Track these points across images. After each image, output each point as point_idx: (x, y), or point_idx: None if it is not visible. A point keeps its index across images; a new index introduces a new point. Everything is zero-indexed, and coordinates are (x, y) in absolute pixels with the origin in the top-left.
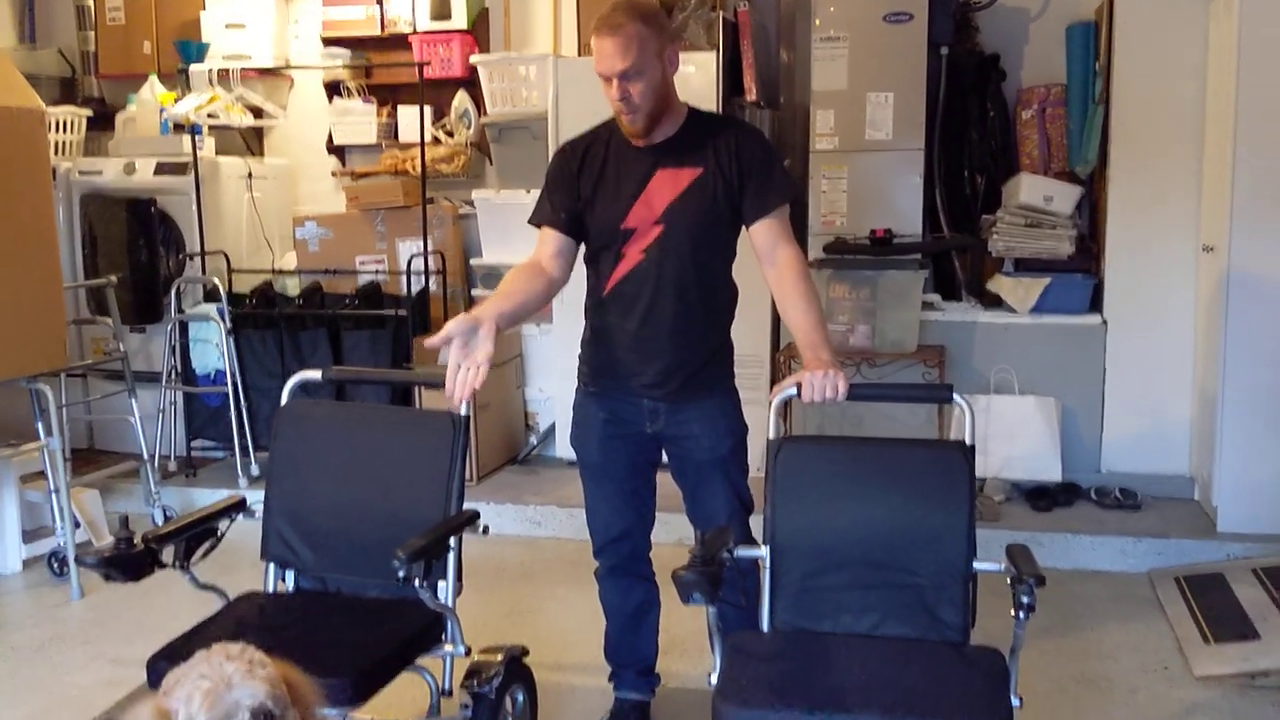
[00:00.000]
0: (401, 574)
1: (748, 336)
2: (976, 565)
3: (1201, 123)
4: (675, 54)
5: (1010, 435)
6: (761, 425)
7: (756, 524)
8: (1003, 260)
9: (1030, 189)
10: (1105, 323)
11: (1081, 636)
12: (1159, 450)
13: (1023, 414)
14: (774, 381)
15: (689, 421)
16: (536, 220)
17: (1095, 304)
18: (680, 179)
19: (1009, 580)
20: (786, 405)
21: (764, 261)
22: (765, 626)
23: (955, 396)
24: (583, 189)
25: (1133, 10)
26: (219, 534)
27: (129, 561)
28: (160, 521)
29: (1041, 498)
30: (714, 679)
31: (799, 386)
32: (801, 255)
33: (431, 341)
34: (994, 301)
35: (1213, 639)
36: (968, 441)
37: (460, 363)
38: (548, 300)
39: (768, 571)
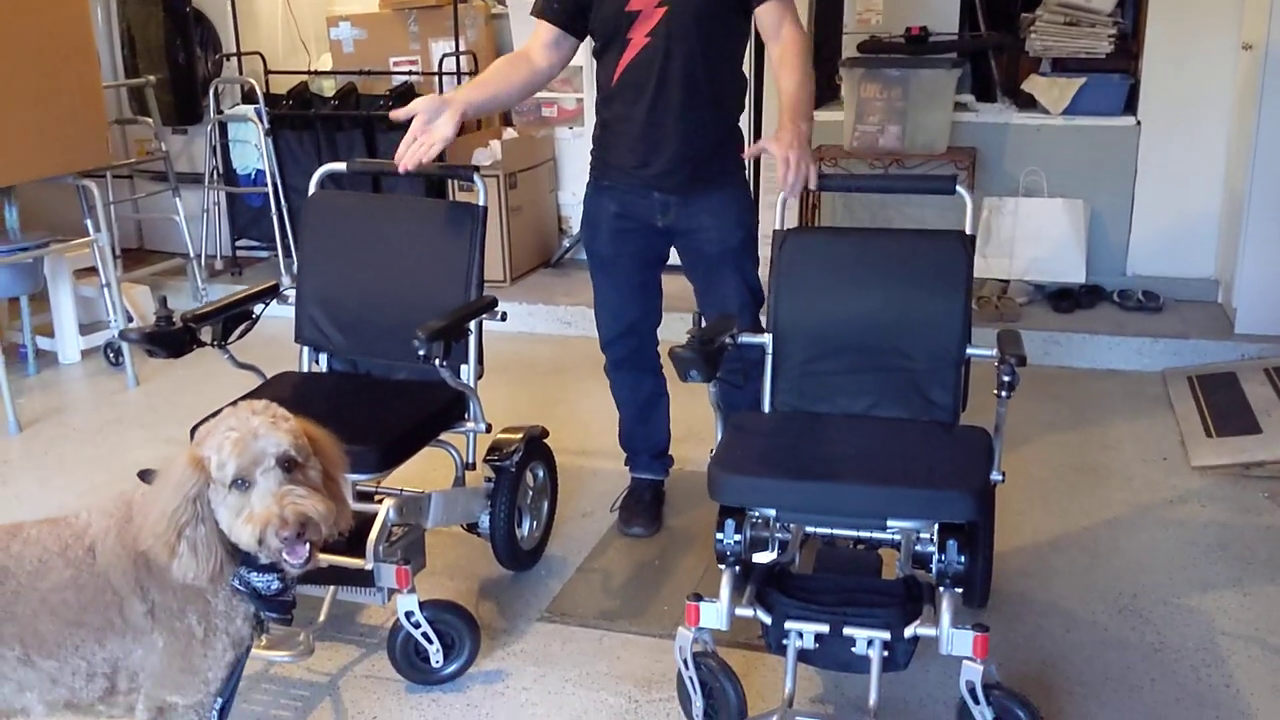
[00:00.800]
0: (421, 352)
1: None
2: (969, 350)
3: None
4: None
5: (1037, 237)
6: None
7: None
8: (1039, 60)
9: None
10: (1139, 124)
11: (1088, 430)
12: (1186, 253)
13: (1050, 216)
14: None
15: (699, 214)
16: (536, 10)
17: (1130, 105)
18: None
19: (997, 364)
20: (807, 204)
21: (768, 40)
22: (766, 408)
23: (958, 188)
24: None
25: None
26: (255, 316)
27: (169, 338)
28: None
29: (1064, 299)
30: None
31: (782, 170)
32: (805, 36)
33: (397, 114)
34: (1028, 103)
35: (1215, 432)
36: (967, 230)
37: (418, 136)
38: (529, 92)
39: (769, 356)
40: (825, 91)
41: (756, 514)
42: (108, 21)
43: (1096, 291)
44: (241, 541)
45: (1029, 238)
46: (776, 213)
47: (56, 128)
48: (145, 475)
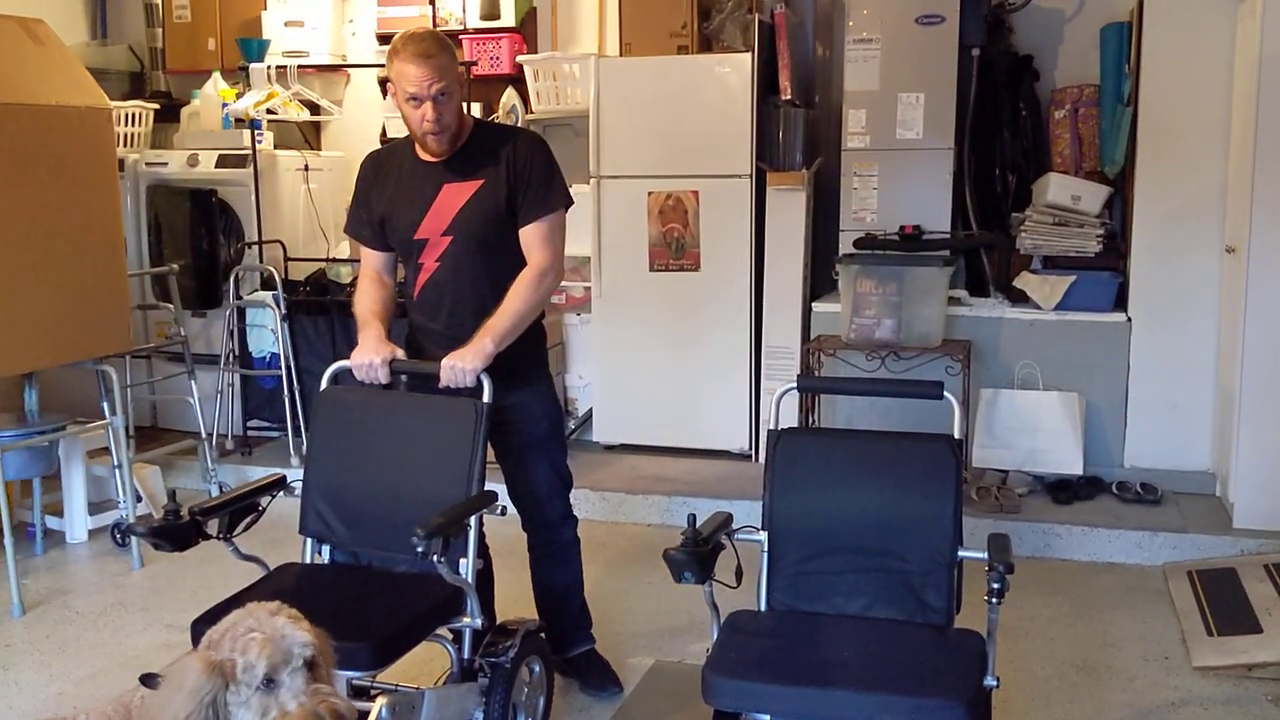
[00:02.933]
0: (420, 549)
1: (778, 328)
2: (961, 553)
3: (1227, 125)
4: (463, 80)
5: (1034, 429)
6: (792, 418)
7: (754, 510)
8: (1030, 258)
9: (1058, 188)
10: (1130, 320)
11: (1089, 626)
12: (1181, 446)
13: (1046, 409)
14: (803, 373)
15: (505, 409)
16: (348, 230)
17: (1120, 302)
18: (464, 191)
19: (987, 569)
20: (807, 397)
21: (526, 256)
22: (762, 607)
23: (946, 394)
24: (375, 203)
25: (1161, 11)
26: (261, 509)
27: (176, 532)
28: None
29: (1063, 491)
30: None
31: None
32: (550, 262)
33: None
34: (1021, 298)
35: (1216, 631)
36: (956, 435)
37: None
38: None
39: (765, 555)
40: (824, 283)
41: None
42: (136, 209)
43: (1095, 483)
44: None
45: (1026, 429)
46: (771, 412)
47: (81, 315)
48: (148, 680)
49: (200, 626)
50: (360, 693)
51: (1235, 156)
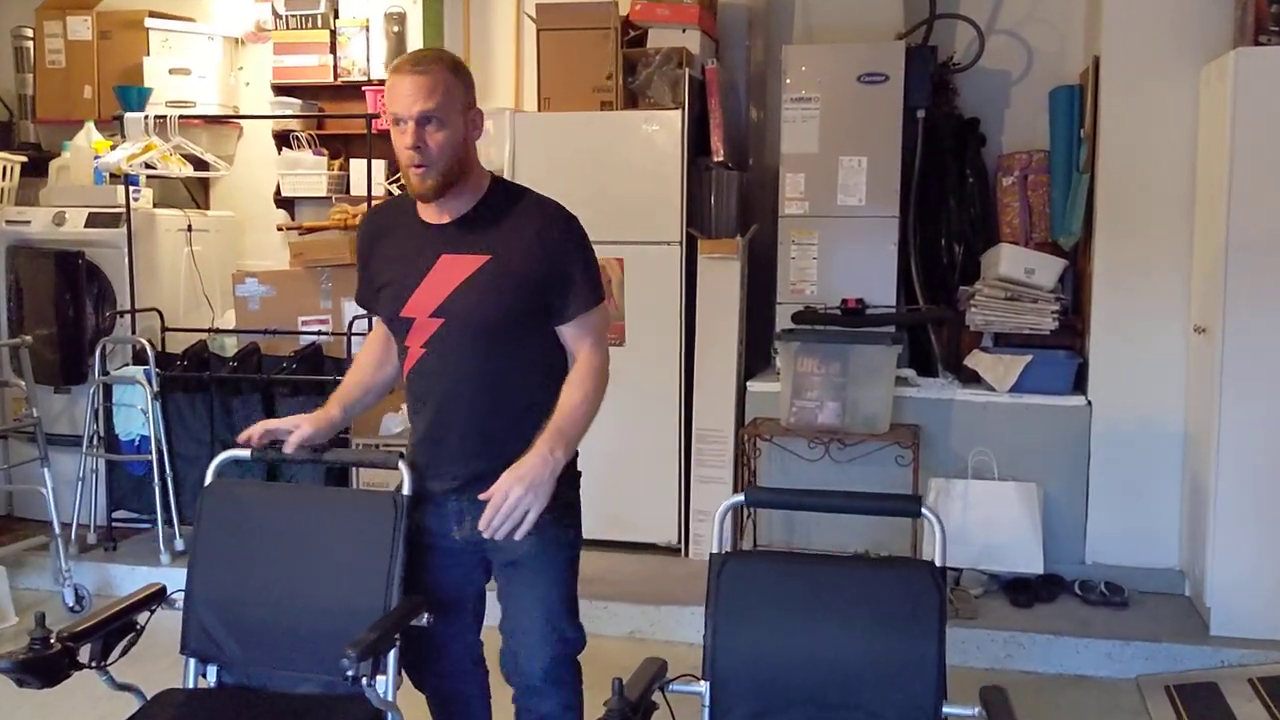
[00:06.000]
0: (351, 673)
1: (711, 409)
2: (947, 709)
3: (1192, 195)
4: (480, 117)
5: (989, 523)
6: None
7: (685, 626)
8: (981, 335)
9: (1011, 260)
10: (1090, 404)
11: None
12: (1147, 542)
13: (1002, 500)
14: (738, 462)
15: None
16: (359, 301)
17: (1079, 384)
18: (465, 266)
19: None
20: (739, 511)
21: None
22: None
23: (925, 510)
24: (374, 271)
25: (1119, 75)
26: (139, 628)
27: (44, 665)
28: (71, 601)
29: (1022, 591)
30: None
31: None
32: (601, 358)
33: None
34: (972, 378)
35: None
36: (938, 562)
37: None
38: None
39: (707, 710)
40: (761, 360)
41: None
42: None
43: (1056, 582)
44: None
45: (980, 523)
46: (714, 530)
47: None
48: None
49: None
50: None
51: (1203, 228)
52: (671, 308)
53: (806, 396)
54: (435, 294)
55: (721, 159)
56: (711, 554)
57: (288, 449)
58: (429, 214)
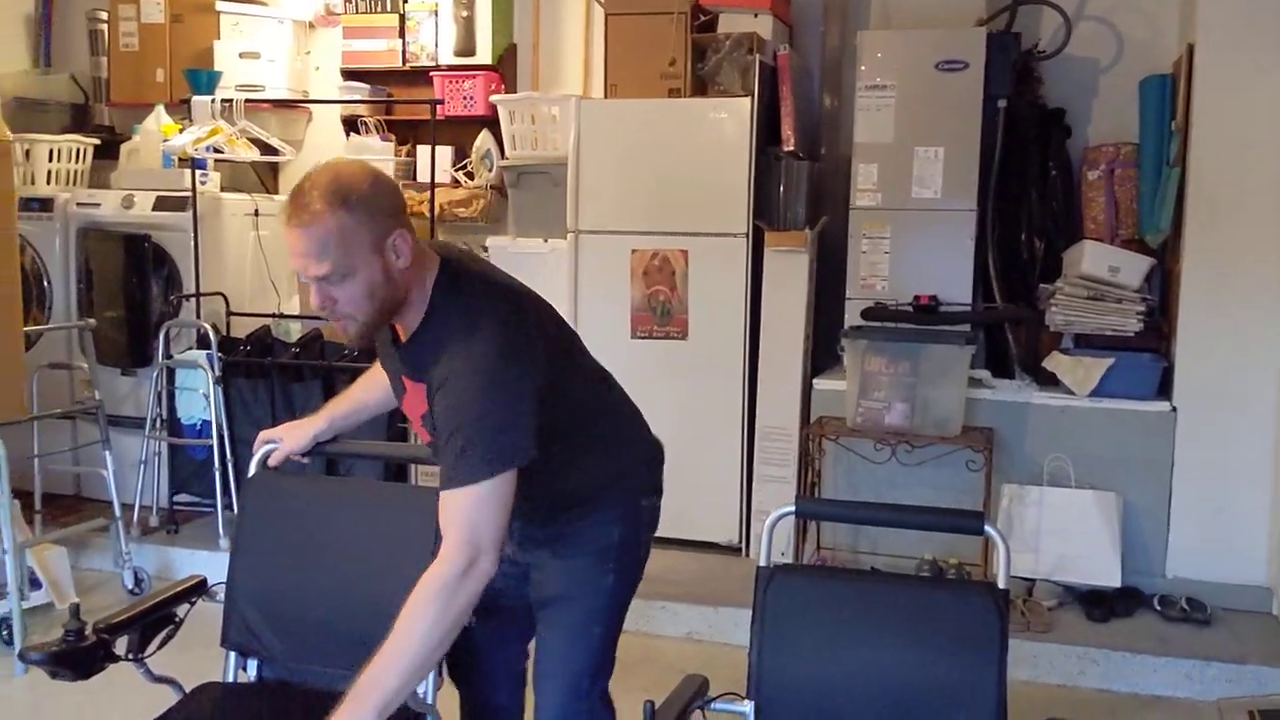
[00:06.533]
0: None
1: (774, 407)
2: None
3: None
4: (403, 240)
5: (1064, 533)
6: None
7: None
8: (1061, 335)
9: (1094, 258)
10: (1175, 410)
11: None
12: (1233, 556)
13: (1079, 509)
14: (802, 462)
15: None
16: None
17: (1164, 389)
18: (419, 395)
19: None
20: (806, 469)
21: None
22: None
23: (987, 527)
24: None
25: (1214, 64)
26: (178, 621)
27: (78, 657)
28: (130, 584)
29: (1098, 605)
30: None
31: None
32: (447, 571)
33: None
34: (1050, 381)
35: None
36: (1001, 584)
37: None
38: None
39: None
40: (827, 358)
41: None
42: (65, 255)
43: (1134, 596)
44: None
45: (1055, 532)
46: (762, 542)
47: None
48: None
49: None
50: None
51: None
52: (736, 302)
53: (874, 396)
54: (414, 412)
55: (792, 148)
56: (759, 567)
57: (273, 463)
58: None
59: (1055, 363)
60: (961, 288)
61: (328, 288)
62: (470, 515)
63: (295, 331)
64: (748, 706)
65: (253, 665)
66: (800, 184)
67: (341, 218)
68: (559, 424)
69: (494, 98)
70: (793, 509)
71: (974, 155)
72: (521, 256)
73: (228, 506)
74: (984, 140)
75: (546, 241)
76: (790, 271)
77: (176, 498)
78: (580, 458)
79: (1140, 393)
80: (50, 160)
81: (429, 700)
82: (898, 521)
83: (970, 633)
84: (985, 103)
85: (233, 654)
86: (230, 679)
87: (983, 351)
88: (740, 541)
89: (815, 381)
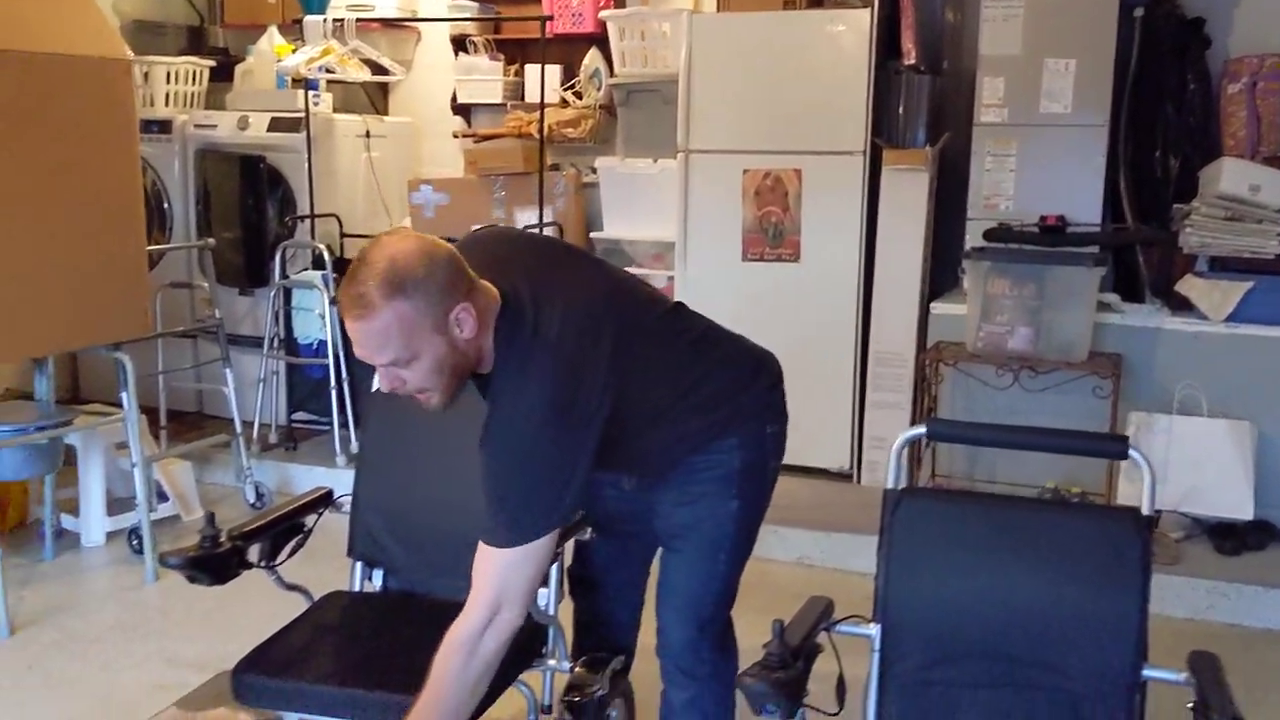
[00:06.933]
0: None
1: (890, 331)
2: (1147, 672)
3: None
4: (466, 314)
5: (1195, 463)
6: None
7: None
8: (1195, 258)
9: (1233, 176)
10: None
11: (1270, 714)
12: None
13: (1211, 439)
14: (917, 388)
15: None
16: None
17: None
18: None
19: (1191, 708)
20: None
21: None
22: None
23: (1132, 452)
24: None
25: None
26: (306, 530)
27: (213, 562)
28: (251, 498)
29: (1228, 538)
30: None
31: None
32: (476, 621)
33: None
34: (1183, 305)
35: None
36: (1145, 510)
37: None
38: None
39: (876, 655)
40: (946, 281)
41: None
42: (184, 177)
43: (1267, 530)
44: None
45: (1185, 462)
46: (890, 464)
47: (94, 294)
48: None
49: (245, 675)
50: None
51: None
52: (851, 222)
53: (996, 320)
54: None
55: (912, 62)
56: (886, 490)
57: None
58: None
59: (1189, 286)
60: (1090, 208)
61: (395, 370)
62: (499, 575)
63: None
64: (874, 629)
65: (378, 576)
66: (920, 99)
67: (399, 307)
68: (651, 408)
69: (603, 13)
70: (924, 430)
71: (1107, 67)
72: (630, 178)
73: (343, 425)
74: (1118, 52)
75: (656, 162)
76: (909, 191)
77: (294, 416)
78: (690, 417)
79: (1279, 318)
80: (168, 82)
81: (550, 611)
82: (1036, 444)
83: (1110, 559)
84: (1120, 12)
85: (359, 564)
86: (357, 588)
87: (1111, 274)
88: (851, 468)
89: (933, 305)
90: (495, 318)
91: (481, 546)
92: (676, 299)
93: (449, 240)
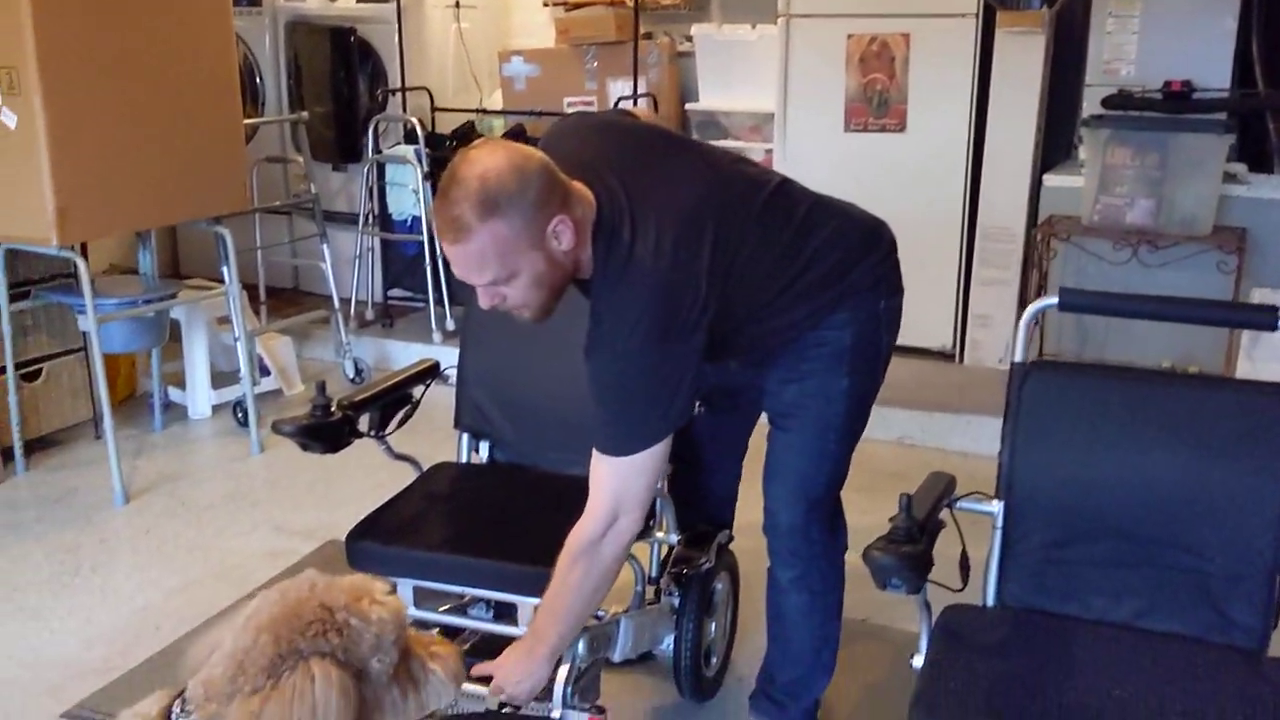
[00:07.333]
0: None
1: (999, 205)
2: None
3: None
4: (565, 223)
5: None
6: (1009, 314)
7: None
8: None
9: None
10: None
11: None
12: None
13: None
14: (1027, 264)
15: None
16: None
17: None
18: None
19: None
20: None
21: None
22: (989, 600)
23: None
24: None
25: None
26: (415, 401)
27: (327, 430)
28: (351, 373)
29: None
30: (915, 662)
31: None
32: (594, 527)
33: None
34: None
35: None
36: None
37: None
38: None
39: (999, 533)
40: (1061, 152)
41: None
42: (275, 50)
43: None
44: (426, 708)
45: None
46: (1018, 336)
47: (194, 170)
48: None
49: (359, 542)
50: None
51: None
52: (961, 90)
53: (1115, 192)
54: None
55: None
56: (1014, 363)
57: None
58: None
59: None
60: (1218, 73)
61: (494, 289)
62: (614, 483)
63: (499, 127)
64: (996, 506)
65: (484, 448)
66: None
67: (495, 228)
68: (757, 303)
69: None
70: (1055, 300)
71: None
72: (727, 45)
73: (439, 302)
74: None
75: (754, 28)
76: (1023, 56)
77: (389, 292)
78: (796, 304)
79: None
80: None
81: (660, 487)
82: (1176, 315)
83: (1254, 436)
84: None
85: (465, 436)
86: (464, 460)
87: (1239, 144)
88: (954, 347)
89: (1045, 177)
90: (592, 226)
91: (595, 453)
92: (781, 175)
93: (539, 114)
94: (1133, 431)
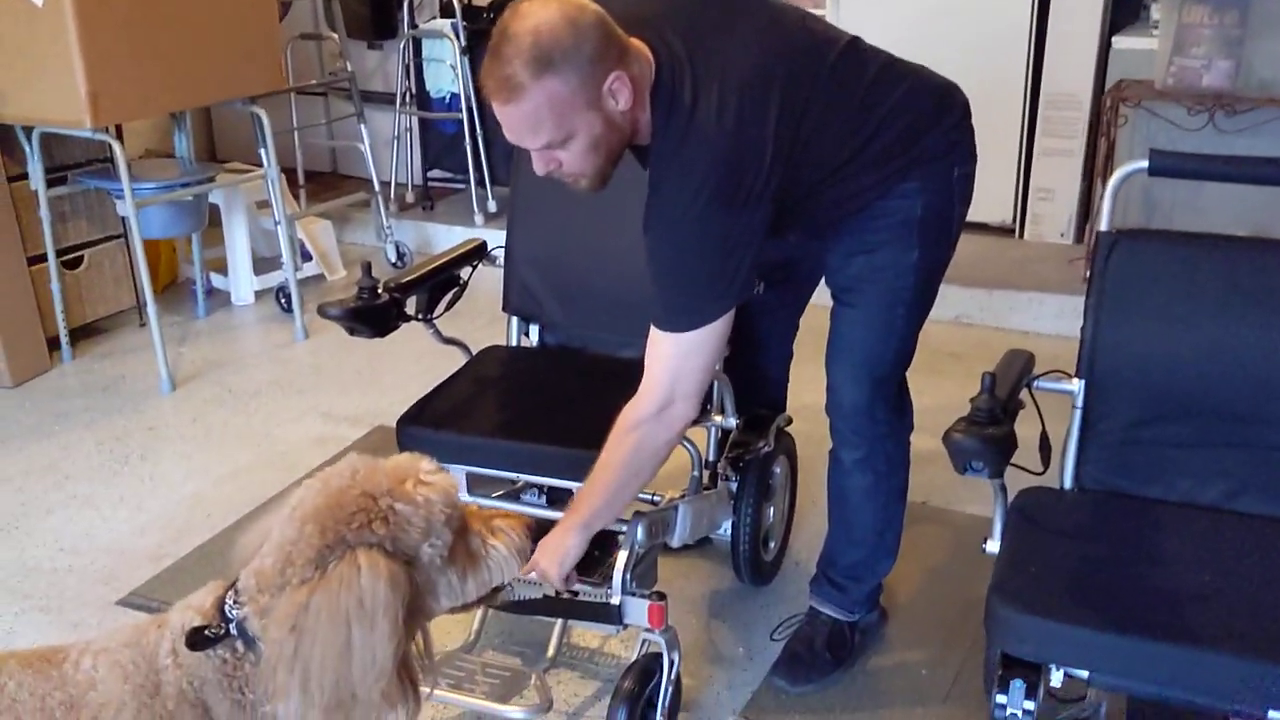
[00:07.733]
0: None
1: (1064, 70)
2: None
3: None
4: (621, 79)
5: None
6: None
7: (1018, 306)
8: None
9: None
10: None
11: None
12: None
13: None
14: (1093, 132)
15: None
16: None
17: None
18: None
19: None
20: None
21: None
22: (1067, 483)
23: None
24: None
25: None
26: (462, 283)
27: (373, 314)
28: (393, 257)
29: None
30: (989, 547)
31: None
32: (649, 405)
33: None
34: None
35: None
36: None
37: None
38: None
39: (1078, 412)
40: (1130, 12)
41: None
42: None
43: None
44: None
45: None
46: (1105, 204)
47: (227, 49)
48: (199, 638)
49: (409, 427)
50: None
51: None
52: None
53: (1191, 53)
54: None
55: None
56: (1100, 232)
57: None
58: None
59: None
60: None
61: (549, 153)
62: (672, 362)
63: None
64: (1076, 385)
65: (534, 330)
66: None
67: (549, 85)
68: (824, 171)
69: None
70: (1145, 164)
71: None
72: None
73: (480, 183)
74: None
75: None
76: None
77: (429, 174)
78: (864, 172)
79: None
80: None
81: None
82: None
83: None
84: None
85: (514, 319)
86: (514, 343)
87: None
88: (1014, 222)
89: (1115, 40)
90: (651, 87)
91: (653, 330)
92: (850, 34)
93: None
94: (1230, 305)
